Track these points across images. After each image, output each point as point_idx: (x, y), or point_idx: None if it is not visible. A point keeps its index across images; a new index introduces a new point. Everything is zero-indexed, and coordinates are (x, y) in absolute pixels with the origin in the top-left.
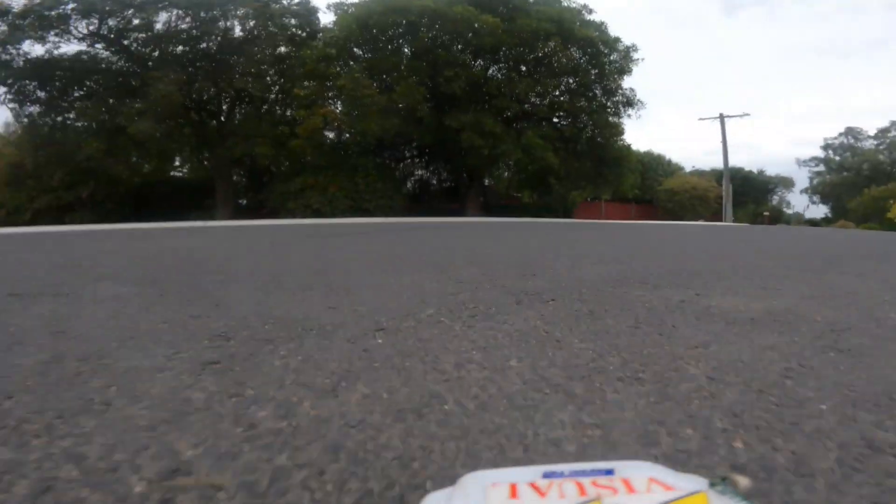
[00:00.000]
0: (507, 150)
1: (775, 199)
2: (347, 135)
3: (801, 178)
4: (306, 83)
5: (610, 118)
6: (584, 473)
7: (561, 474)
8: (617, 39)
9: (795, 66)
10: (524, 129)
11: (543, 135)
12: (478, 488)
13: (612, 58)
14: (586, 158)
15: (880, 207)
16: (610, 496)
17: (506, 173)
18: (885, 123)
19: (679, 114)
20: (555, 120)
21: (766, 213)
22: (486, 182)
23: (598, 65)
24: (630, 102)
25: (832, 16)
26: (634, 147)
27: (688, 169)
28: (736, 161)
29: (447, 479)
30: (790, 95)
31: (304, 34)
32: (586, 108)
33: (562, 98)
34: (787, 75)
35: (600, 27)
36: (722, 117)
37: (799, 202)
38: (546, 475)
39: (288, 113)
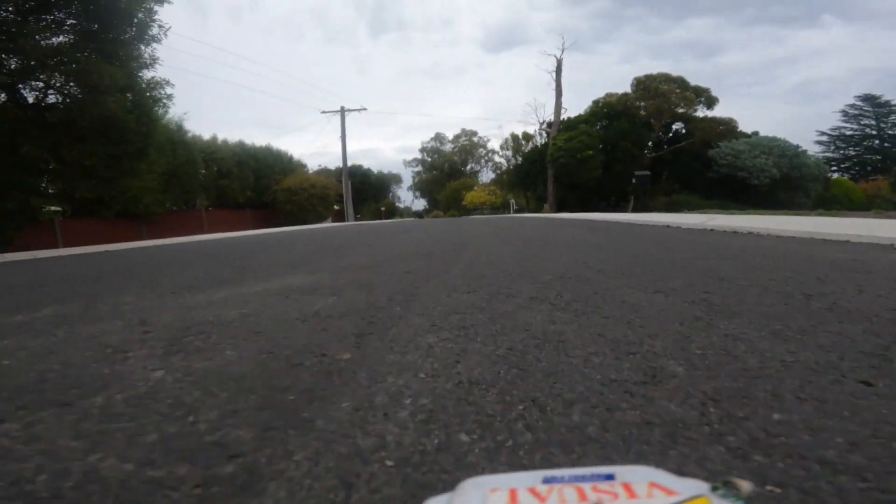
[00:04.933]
0: None
1: (389, 195)
2: None
3: (407, 178)
4: None
5: (116, 65)
6: (584, 479)
7: (561, 479)
8: None
9: (408, 84)
10: None
11: None
12: (478, 494)
13: None
14: (96, 140)
15: (458, 197)
16: (610, 501)
17: None
18: (458, 132)
19: (323, 121)
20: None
21: (382, 209)
22: None
23: None
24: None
25: (436, 46)
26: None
27: (314, 167)
28: (360, 166)
29: None
30: (403, 108)
31: None
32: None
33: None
34: (401, 91)
35: None
36: (343, 110)
37: (406, 197)
38: (546, 480)
39: None
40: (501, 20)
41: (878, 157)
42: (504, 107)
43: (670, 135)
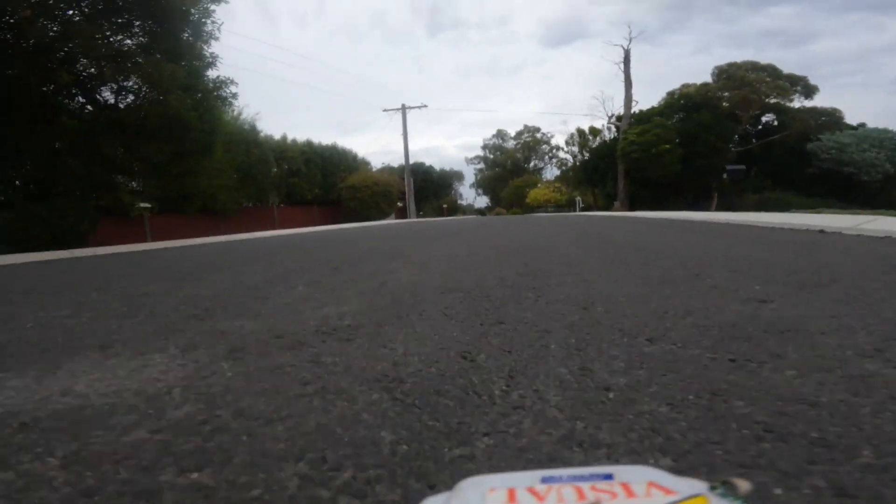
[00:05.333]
0: None
1: (452, 193)
2: None
3: (469, 175)
4: None
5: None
6: (583, 478)
7: (560, 479)
8: None
9: (468, 82)
10: None
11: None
12: (476, 493)
13: None
14: (162, 138)
15: (521, 195)
16: (609, 501)
17: None
18: (520, 128)
19: (385, 119)
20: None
21: (444, 206)
22: None
23: None
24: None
25: (494, 43)
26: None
27: (378, 166)
28: (422, 163)
29: None
30: (464, 105)
31: None
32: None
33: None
34: (461, 89)
35: None
36: (404, 108)
37: (469, 194)
38: (545, 480)
39: None
40: (560, 14)
41: None
42: (566, 102)
43: (759, 127)
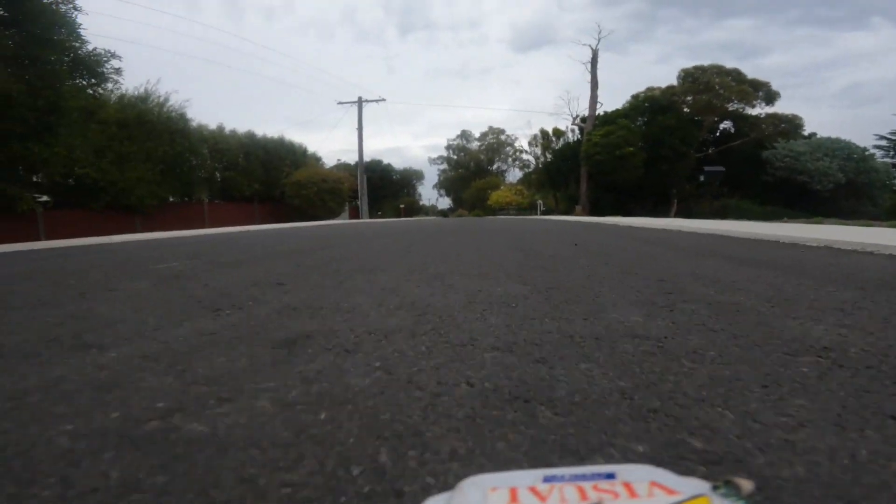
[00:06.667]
0: None
1: (415, 193)
2: None
3: (432, 175)
4: None
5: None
6: (585, 477)
7: (562, 478)
8: None
9: (437, 84)
10: None
11: None
12: (478, 493)
13: None
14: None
15: (483, 197)
16: (611, 500)
17: None
18: (485, 129)
19: (347, 116)
20: None
21: (401, 207)
22: None
23: None
24: None
25: (464, 45)
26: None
27: (331, 163)
28: (380, 161)
29: None
30: (432, 106)
31: None
32: None
33: None
34: (429, 90)
35: None
36: (360, 101)
37: (430, 194)
38: (547, 479)
39: None
40: (530, 20)
41: None
42: (533, 106)
43: (717, 134)
